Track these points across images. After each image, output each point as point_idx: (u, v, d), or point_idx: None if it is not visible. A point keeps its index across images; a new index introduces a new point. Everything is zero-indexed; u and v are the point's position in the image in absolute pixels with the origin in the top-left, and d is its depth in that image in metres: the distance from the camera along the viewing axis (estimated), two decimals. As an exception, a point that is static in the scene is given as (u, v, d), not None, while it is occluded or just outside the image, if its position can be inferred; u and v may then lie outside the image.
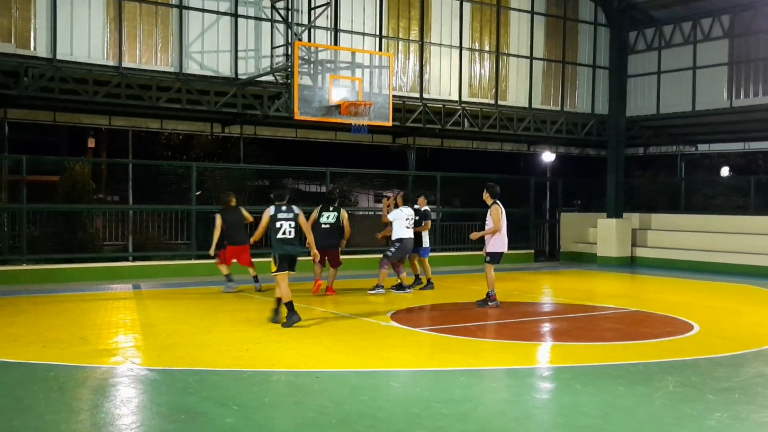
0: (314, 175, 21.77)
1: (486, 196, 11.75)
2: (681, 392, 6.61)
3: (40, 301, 12.19)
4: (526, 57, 20.72)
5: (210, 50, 16.06)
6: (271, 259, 9.90)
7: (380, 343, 8.87)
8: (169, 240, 17.57)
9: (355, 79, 16.28)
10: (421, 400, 6.31)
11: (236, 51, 16.28)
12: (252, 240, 11.16)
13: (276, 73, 16.24)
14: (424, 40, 18.94)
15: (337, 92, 15.76)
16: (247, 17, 16.42)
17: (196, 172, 16.78)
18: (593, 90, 22.07)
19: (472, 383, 6.98)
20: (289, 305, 9.68)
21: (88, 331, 9.31)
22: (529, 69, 20.78)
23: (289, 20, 16.31)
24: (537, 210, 22.64)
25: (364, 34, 17.90)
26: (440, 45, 19.19)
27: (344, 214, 13.09)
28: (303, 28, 16.70)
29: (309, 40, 16.93)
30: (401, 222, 13.11)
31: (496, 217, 11.53)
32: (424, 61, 18.96)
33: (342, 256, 13.50)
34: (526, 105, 20.74)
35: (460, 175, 21.82)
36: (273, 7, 16.37)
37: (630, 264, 20.91)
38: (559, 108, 21.41)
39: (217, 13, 16.09)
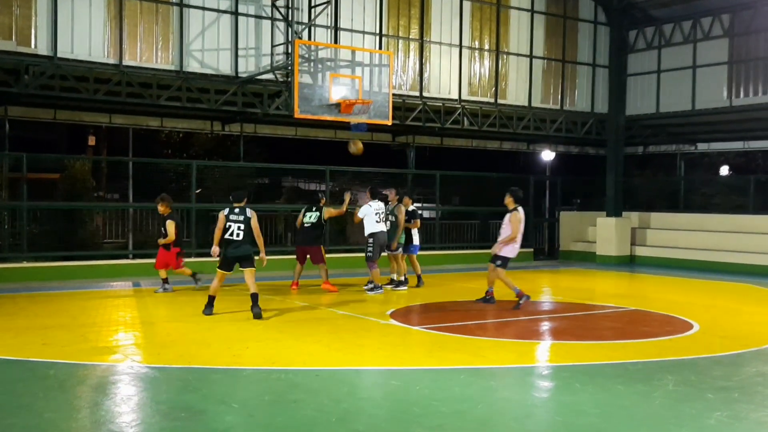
0: (314, 173, 21.73)
1: (508, 200, 11.48)
2: (680, 391, 6.62)
3: (40, 299, 12.20)
4: (525, 56, 20.73)
5: (210, 48, 16.07)
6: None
7: (379, 341, 8.87)
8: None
9: (355, 77, 16.28)
10: (420, 398, 6.31)
11: (236, 49, 16.28)
12: (214, 244, 10.74)
13: (276, 72, 16.27)
14: (424, 39, 18.93)
15: (337, 90, 15.76)
16: (247, 15, 16.43)
17: (196, 170, 16.82)
18: (593, 89, 22.08)
19: (471, 382, 6.97)
20: (211, 299, 10.45)
21: (88, 329, 9.31)
22: (529, 68, 20.78)
23: (290, 18, 16.32)
24: (536, 209, 22.63)
25: (364, 32, 17.90)
26: (440, 43, 19.20)
27: (326, 210, 13.38)
28: (303, 26, 16.71)
29: (309, 38, 16.93)
30: (371, 217, 13.12)
31: (516, 225, 11.31)
32: (423, 59, 18.96)
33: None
34: (526, 104, 20.74)
35: (460, 173, 21.88)
36: (273, 5, 16.38)
37: (629, 263, 20.92)
38: (558, 107, 21.41)
39: (218, 11, 16.09)
